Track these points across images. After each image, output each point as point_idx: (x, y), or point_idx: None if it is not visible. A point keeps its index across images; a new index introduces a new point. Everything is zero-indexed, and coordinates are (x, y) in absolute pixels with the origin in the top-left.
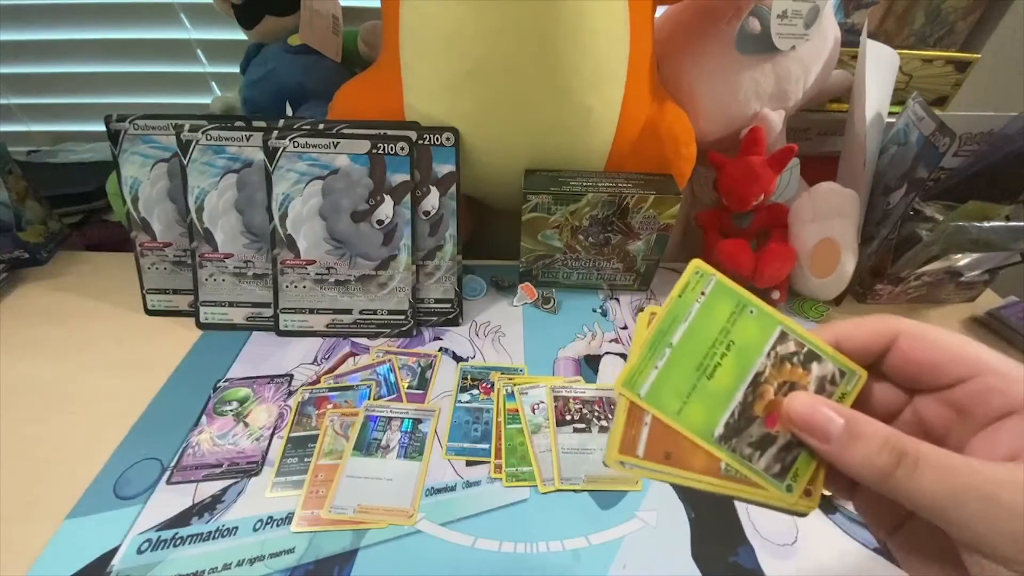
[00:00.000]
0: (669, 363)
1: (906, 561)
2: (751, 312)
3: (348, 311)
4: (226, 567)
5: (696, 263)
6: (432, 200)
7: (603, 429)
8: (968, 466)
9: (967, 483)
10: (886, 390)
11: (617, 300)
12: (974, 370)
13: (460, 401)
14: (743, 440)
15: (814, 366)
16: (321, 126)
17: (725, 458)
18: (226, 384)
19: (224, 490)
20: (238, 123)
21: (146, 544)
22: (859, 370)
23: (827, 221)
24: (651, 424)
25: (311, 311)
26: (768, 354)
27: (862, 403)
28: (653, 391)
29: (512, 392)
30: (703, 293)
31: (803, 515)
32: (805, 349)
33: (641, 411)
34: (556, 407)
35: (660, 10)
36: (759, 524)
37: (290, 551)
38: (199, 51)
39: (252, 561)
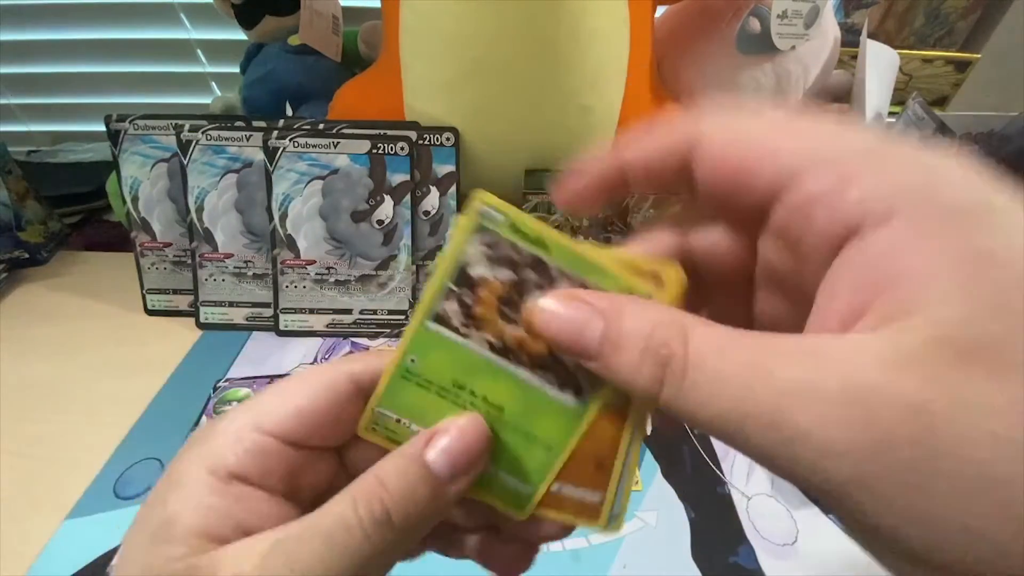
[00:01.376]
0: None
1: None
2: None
3: (348, 311)
4: None
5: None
6: (432, 200)
7: None
8: (750, 373)
9: (745, 401)
10: (724, 238)
11: None
12: (789, 168)
13: None
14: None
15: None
16: (321, 126)
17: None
18: (226, 384)
19: None
20: (238, 123)
21: None
22: (665, 269)
23: None
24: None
25: (311, 311)
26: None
27: (704, 268)
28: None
29: None
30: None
31: None
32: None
33: None
34: None
35: (660, 10)
36: (759, 524)
37: None
38: (199, 51)
39: None
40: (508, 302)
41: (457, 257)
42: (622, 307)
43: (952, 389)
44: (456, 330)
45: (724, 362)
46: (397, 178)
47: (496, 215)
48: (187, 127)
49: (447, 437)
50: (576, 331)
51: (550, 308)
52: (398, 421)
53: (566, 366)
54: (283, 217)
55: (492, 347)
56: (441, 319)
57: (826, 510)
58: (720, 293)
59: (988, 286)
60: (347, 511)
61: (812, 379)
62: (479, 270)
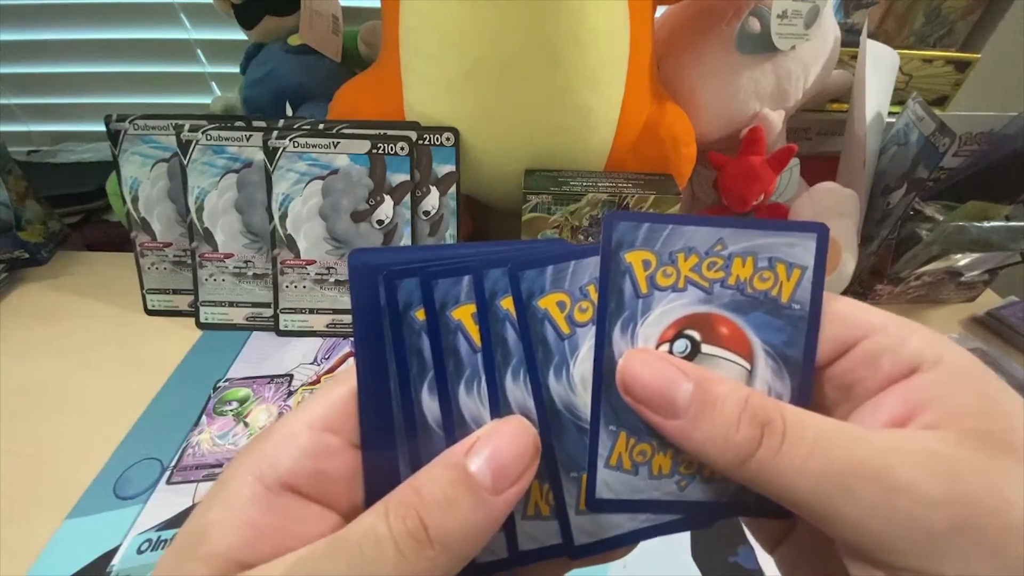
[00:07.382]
0: None
1: None
2: None
3: (348, 311)
4: None
5: None
6: (432, 200)
7: None
8: (850, 436)
9: (850, 457)
10: None
11: None
12: (861, 332)
13: None
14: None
15: None
16: (321, 126)
17: None
18: (226, 384)
19: None
20: (238, 123)
21: (146, 544)
22: None
23: (827, 221)
24: None
25: (311, 311)
26: None
27: None
28: None
29: None
30: None
31: None
32: None
33: None
34: None
35: (660, 10)
36: None
37: None
38: (199, 51)
39: None
40: None
41: None
42: (711, 375)
43: (989, 462)
44: None
45: (826, 427)
46: (397, 178)
47: None
48: (187, 127)
49: (492, 443)
50: (665, 385)
51: (639, 358)
52: None
53: None
54: (283, 217)
55: None
56: None
57: None
58: None
59: (992, 412)
60: (378, 523)
61: (901, 443)
62: None
